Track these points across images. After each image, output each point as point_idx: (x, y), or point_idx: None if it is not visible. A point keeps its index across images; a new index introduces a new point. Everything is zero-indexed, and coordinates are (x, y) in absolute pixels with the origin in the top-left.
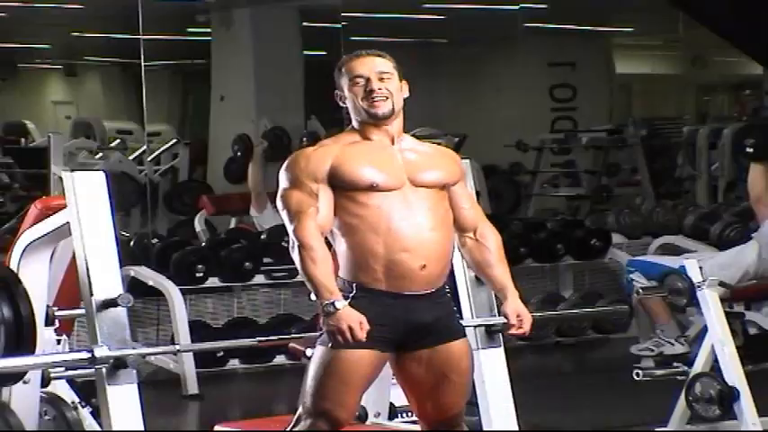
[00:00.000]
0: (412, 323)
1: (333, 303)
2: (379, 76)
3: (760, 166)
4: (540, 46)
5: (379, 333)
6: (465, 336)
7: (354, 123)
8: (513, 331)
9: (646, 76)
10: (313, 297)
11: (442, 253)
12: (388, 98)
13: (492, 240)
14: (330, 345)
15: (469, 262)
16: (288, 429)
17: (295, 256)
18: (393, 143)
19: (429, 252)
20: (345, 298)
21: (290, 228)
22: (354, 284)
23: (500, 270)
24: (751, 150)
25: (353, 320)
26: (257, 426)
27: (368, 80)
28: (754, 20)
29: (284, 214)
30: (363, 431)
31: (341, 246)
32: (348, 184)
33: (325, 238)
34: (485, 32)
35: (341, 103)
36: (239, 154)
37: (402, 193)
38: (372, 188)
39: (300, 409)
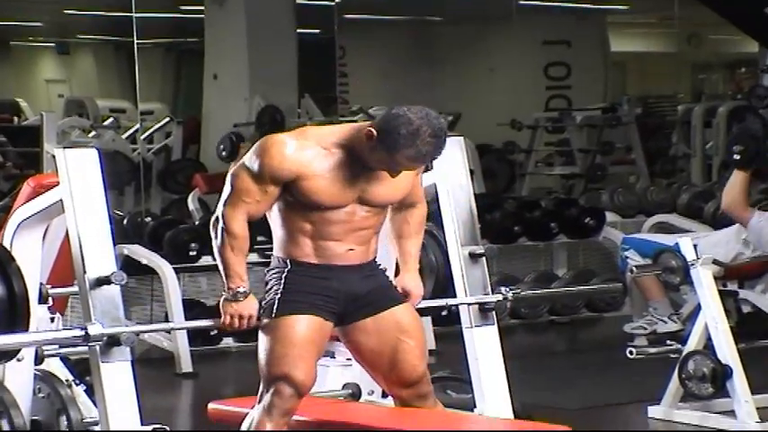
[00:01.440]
0: (346, 292)
1: (242, 291)
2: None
3: (742, 174)
4: (534, 24)
5: (315, 300)
6: (405, 302)
7: (358, 138)
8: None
9: (641, 55)
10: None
11: (368, 242)
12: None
13: (415, 215)
14: (273, 312)
15: (390, 230)
16: (255, 406)
17: (217, 234)
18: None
19: (357, 242)
20: (281, 272)
21: (222, 204)
22: (288, 260)
23: (410, 244)
24: (737, 158)
25: (250, 310)
26: (251, 403)
27: (403, 169)
28: None
29: (227, 188)
30: (358, 409)
31: (276, 227)
32: (300, 197)
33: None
34: (479, 10)
35: (368, 133)
36: (224, 154)
37: (348, 207)
38: (319, 207)
39: (261, 386)
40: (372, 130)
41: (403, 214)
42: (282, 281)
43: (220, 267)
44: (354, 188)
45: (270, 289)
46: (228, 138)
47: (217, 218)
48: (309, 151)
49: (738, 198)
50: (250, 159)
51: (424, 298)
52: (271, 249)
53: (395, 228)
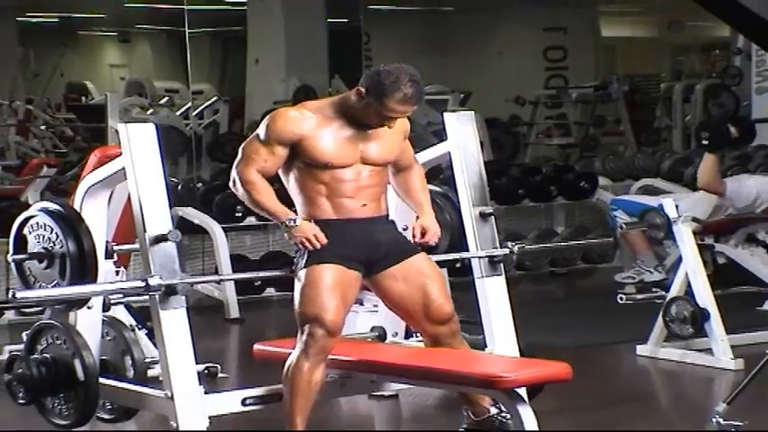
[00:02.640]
0: (366, 241)
1: (293, 219)
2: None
3: (712, 156)
4: (535, 13)
5: (340, 251)
6: (422, 252)
7: (352, 101)
8: (417, 240)
9: (627, 39)
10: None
11: (378, 198)
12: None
13: (416, 172)
14: (304, 264)
15: (396, 188)
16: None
17: (239, 191)
18: (373, 127)
19: (368, 198)
20: None
21: (234, 167)
22: (311, 220)
23: (420, 194)
24: (706, 143)
25: (313, 230)
26: (291, 345)
27: (392, 118)
28: None
29: (240, 152)
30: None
31: (296, 194)
32: (307, 158)
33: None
34: (487, 1)
35: (358, 92)
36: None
37: (353, 167)
38: (327, 167)
39: (298, 328)
40: (361, 88)
41: (403, 175)
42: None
43: (263, 212)
44: (355, 148)
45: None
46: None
47: (234, 180)
48: (309, 117)
49: (711, 177)
50: (261, 127)
51: (440, 252)
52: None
53: (401, 187)
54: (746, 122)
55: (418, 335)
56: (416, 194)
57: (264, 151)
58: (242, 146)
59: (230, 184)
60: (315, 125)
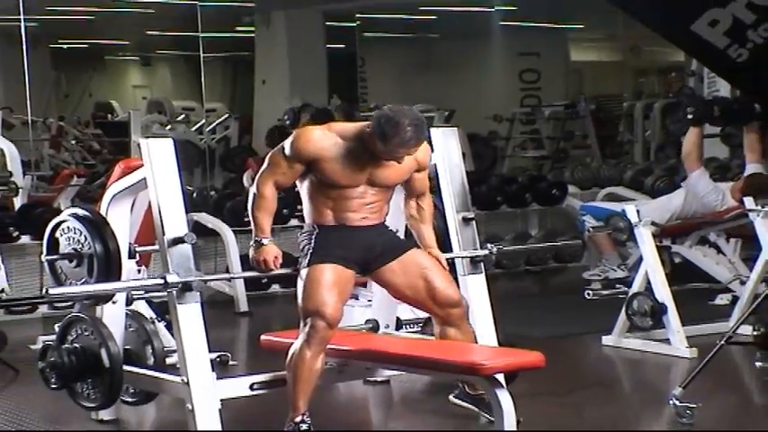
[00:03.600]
0: (362, 245)
1: (261, 240)
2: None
3: (696, 129)
4: (511, 39)
5: (339, 252)
6: (417, 246)
7: (366, 133)
8: None
9: (594, 63)
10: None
11: (379, 212)
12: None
13: (426, 204)
14: (306, 263)
15: (406, 213)
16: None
17: (251, 194)
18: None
19: (369, 212)
20: (311, 234)
21: (261, 171)
22: (315, 225)
23: (428, 231)
24: (690, 117)
25: (271, 254)
26: (294, 335)
27: (400, 155)
28: (678, 15)
29: (266, 159)
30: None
31: (306, 201)
32: (322, 177)
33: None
34: (468, 29)
35: (369, 133)
36: (288, 122)
37: (360, 187)
38: (335, 186)
39: (301, 320)
40: (368, 128)
41: (416, 201)
42: (312, 240)
43: (251, 223)
44: (364, 173)
45: (303, 247)
46: (274, 129)
47: (253, 182)
48: (329, 140)
49: (692, 149)
50: (286, 143)
51: None
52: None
53: (411, 212)
54: (729, 104)
55: (407, 327)
56: (424, 230)
57: (285, 165)
58: (269, 154)
59: (246, 183)
60: (334, 147)
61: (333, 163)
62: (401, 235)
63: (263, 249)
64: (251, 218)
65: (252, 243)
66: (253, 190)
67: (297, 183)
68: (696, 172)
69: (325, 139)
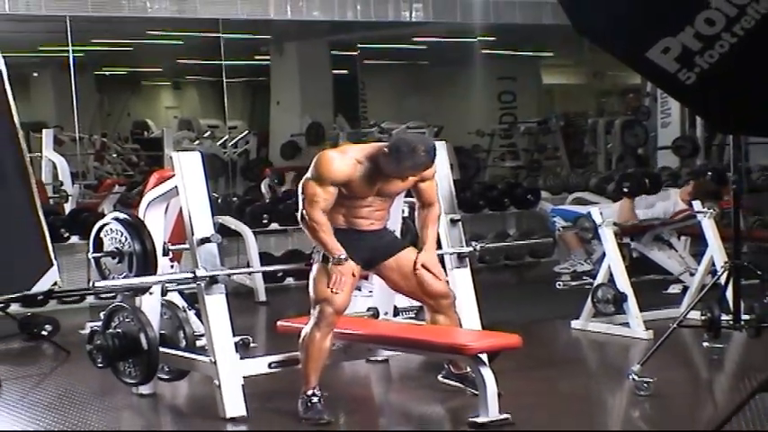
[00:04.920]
0: (367, 246)
1: (342, 257)
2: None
3: (629, 201)
4: (491, 65)
5: (347, 251)
6: (410, 246)
7: (379, 154)
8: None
9: (562, 85)
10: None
11: (383, 218)
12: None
13: (433, 214)
14: (318, 259)
15: (417, 220)
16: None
17: (306, 226)
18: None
19: (375, 218)
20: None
21: (303, 207)
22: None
23: (428, 232)
24: (626, 191)
25: (350, 270)
26: (305, 321)
27: (408, 176)
28: (635, 44)
29: (301, 196)
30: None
31: None
32: (345, 191)
33: None
34: (454, 57)
35: (384, 150)
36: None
37: (369, 198)
38: (349, 198)
39: (311, 308)
40: (386, 149)
41: (426, 211)
42: None
43: (320, 246)
44: (374, 187)
45: (316, 245)
46: (287, 144)
47: (303, 217)
48: (348, 163)
49: (628, 216)
50: (312, 173)
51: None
52: None
53: (421, 219)
54: (656, 177)
55: (403, 314)
56: (426, 232)
57: (322, 192)
58: (301, 187)
59: (299, 220)
60: (352, 168)
61: (351, 181)
62: (397, 233)
63: (345, 265)
64: (319, 243)
65: (333, 260)
66: (307, 221)
67: None
68: (639, 216)
69: (345, 163)
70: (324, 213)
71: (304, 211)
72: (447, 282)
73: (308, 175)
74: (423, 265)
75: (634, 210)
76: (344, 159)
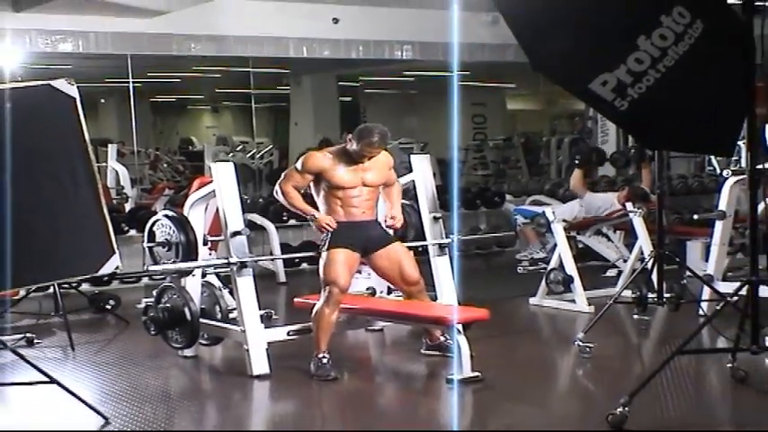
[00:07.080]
0: (362, 236)
1: (314, 215)
2: (372, 156)
3: (579, 170)
4: (466, 94)
5: (348, 240)
6: (397, 241)
7: (347, 146)
8: (388, 223)
9: (523, 110)
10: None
11: (372, 208)
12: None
13: (395, 188)
14: (326, 248)
15: (383, 195)
16: (319, 300)
17: (279, 198)
18: (362, 162)
19: (366, 207)
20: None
21: (278, 183)
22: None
23: (394, 198)
24: (577, 162)
25: (327, 218)
26: (316, 298)
27: (369, 155)
28: (579, 77)
29: (283, 175)
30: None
31: (321, 204)
32: (327, 181)
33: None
34: (437, 87)
35: (349, 139)
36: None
37: (358, 188)
38: (341, 188)
39: (321, 288)
40: (350, 136)
41: (388, 189)
42: (329, 232)
43: (296, 210)
44: (358, 176)
45: (323, 236)
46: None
47: (277, 191)
48: (328, 157)
49: (578, 184)
50: (298, 162)
51: (410, 241)
52: None
53: (386, 194)
54: (601, 152)
55: (396, 293)
56: (391, 198)
57: (298, 176)
58: (284, 172)
59: (274, 193)
60: (331, 162)
61: (335, 172)
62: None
63: (319, 219)
64: (294, 209)
65: (310, 218)
66: (279, 194)
67: (313, 193)
68: (586, 197)
69: (324, 158)
70: (293, 189)
71: (278, 187)
72: (420, 273)
73: (296, 163)
74: (392, 216)
75: (583, 178)
76: (320, 155)
